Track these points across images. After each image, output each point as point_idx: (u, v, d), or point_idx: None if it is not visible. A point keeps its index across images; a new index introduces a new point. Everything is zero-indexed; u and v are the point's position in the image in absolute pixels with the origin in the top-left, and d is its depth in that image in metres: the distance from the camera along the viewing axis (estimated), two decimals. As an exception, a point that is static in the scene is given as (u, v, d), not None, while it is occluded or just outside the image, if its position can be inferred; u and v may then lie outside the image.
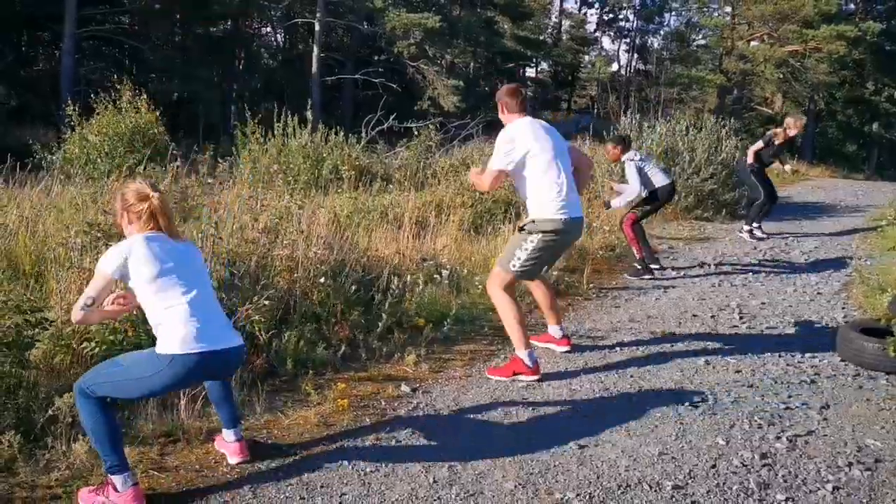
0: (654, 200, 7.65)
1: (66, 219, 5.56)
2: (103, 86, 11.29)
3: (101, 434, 2.89)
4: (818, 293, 6.96)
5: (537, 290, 5.01)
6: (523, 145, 4.43)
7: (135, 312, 3.69)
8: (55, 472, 3.10)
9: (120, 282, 2.99)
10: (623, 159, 7.52)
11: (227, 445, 3.35)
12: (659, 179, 7.53)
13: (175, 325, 2.91)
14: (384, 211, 7.77)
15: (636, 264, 7.61)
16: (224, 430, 3.36)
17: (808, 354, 5.14)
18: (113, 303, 3.10)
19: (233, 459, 3.32)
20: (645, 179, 7.42)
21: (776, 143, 9.43)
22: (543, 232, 4.44)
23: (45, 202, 6.17)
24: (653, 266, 7.63)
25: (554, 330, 5.07)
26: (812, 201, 14.72)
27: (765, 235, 9.87)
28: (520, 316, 4.53)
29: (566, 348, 5.05)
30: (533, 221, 4.48)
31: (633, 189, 7.35)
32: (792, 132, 9.49)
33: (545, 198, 4.44)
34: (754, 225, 9.87)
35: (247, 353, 3.24)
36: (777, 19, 29.67)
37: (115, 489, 2.88)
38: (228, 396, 3.35)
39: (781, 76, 30.22)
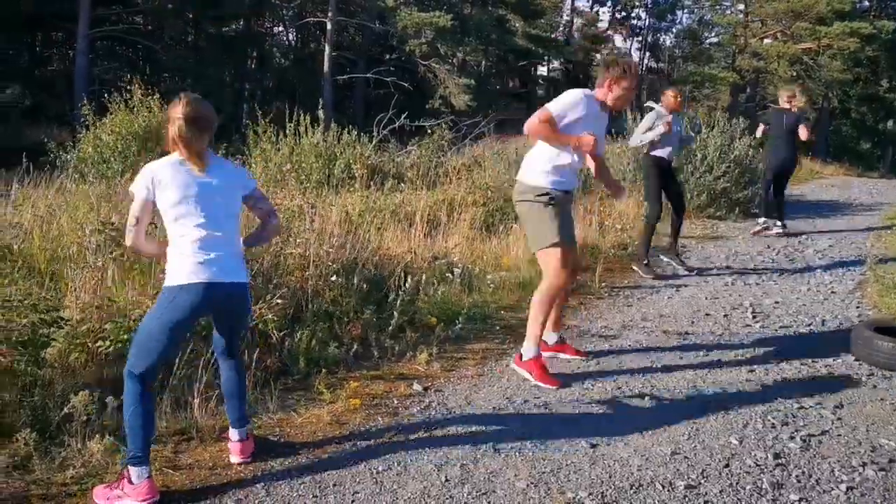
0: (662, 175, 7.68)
1: (80, 218, 5.59)
2: (117, 85, 11.33)
3: (136, 421, 2.94)
4: (832, 292, 6.92)
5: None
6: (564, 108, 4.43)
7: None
8: (70, 470, 3.12)
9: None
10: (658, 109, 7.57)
11: (232, 444, 3.38)
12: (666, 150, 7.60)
13: (180, 257, 3.01)
14: (396, 210, 7.78)
15: (675, 256, 7.67)
16: (230, 429, 3.39)
17: (821, 354, 5.12)
18: (162, 242, 3.19)
19: (234, 458, 3.34)
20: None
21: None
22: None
23: (59, 201, 6.20)
24: (639, 268, 7.57)
25: (549, 337, 4.93)
26: (826, 199, 14.64)
27: (773, 228, 9.87)
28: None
29: (549, 354, 4.85)
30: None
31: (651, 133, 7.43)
32: (784, 104, 9.47)
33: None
34: (769, 220, 9.87)
35: (247, 292, 3.22)
36: (790, 17, 29.51)
37: (130, 481, 2.91)
38: (239, 394, 3.35)
39: (795, 74, 30.03)
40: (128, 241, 3.11)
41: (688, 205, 7.85)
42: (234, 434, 3.36)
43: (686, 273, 7.58)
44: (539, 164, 4.50)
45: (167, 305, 2.98)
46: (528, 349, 4.54)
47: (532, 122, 4.38)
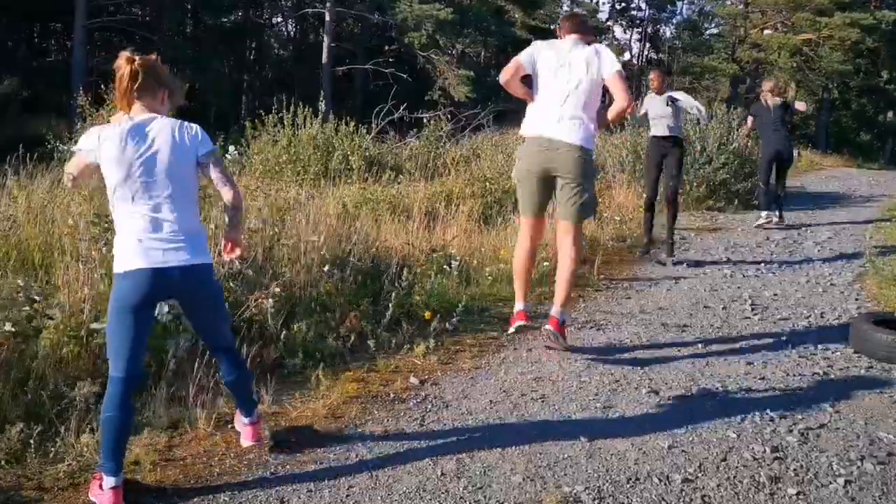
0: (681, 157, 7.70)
1: (73, 210, 5.56)
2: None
3: (111, 429, 2.80)
4: (831, 284, 6.90)
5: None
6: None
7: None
8: (63, 464, 3.10)
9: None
10: (676, 93, 7.65)
11: (243, 428, 3.34)
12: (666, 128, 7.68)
13: (120, 242, 2.85)
14: (393, 201, 7.75)
15: (669, 241, 7.67)
16: (238, 414, 3.35)
17: (820, 346, 5.10)
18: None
19: (245, 442, 3.32)
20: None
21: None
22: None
23: (55, 192, 6.16)
24: (644, 250, 7.64)
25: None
26: (825, 191, 14.60)
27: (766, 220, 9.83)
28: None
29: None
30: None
31: (693, 101, 7.52)
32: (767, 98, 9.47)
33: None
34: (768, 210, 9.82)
35: (205, 275, 2.94)
36: (791, 8, 29.40)
37: (101, 486, 2.82)
38: (242, 380, 3.25)
39: (795, 65, 29.95)
40: (67, 185, 2.96)
41: (680, 199, 7.78)
42: (243, 418, 3.32)
43: (671, 264, 7.56)
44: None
45: (114, 295, 2.83)
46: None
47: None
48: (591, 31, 4.81)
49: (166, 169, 2.86)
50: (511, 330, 4.75)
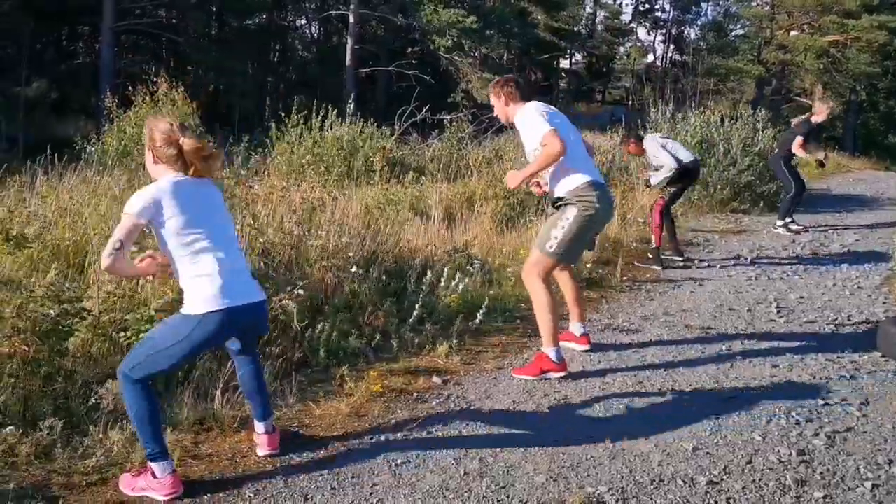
0: (681, 179, 7.57)
1: (104, 209, 5.63)
2: (141, 78, 11.42)
3: (143, 420, 2.90)
4: (858, 287, 6.83)
5: (564, 280, 4.85)
6: (550, 117, 4.33)
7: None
8: (92, 459, 3.14)
9: (152, 240, 2.97)
10: (645, 142, 7.52)
11: (258, 437, 3.37)
12: (684, 155, 7.53)
13: (203, 283, 2.89)
14: (416, 202, 7.77)
15: (649, 253, 7.58)
16: (255, 422, 3.39)
17: (847, 350, 5.05)
18: (142, 261, 3.07)
19: (261, 451, 3.34)
20: (671, 155, 7.42)
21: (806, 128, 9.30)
22: (579, 201, 4.29)
23: (84, 193, 6.25)
24: (676, 258, 7.59)
25: (575, 327, 4.90)
26: (853, 194, 14.44)
27: (801, 227, 9.70)
28: (553, 308, 4.36)
29: (585, 347, 4.86)
30: (562, 198, 4.38)
31: (667, 164, 7.32)
32: (818, 118, 9.33)
33: (574, 170, 4.36)
34: (787, 219, 9.70)
35: (268, 314, 3.15)
36: (818, 10, 29.13)
37: (154, 475, 2.91)
38: (260, 388, 3.33)
39: (822, 66, 29.66)
40: (105, 264, 2.81)
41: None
42: (259, 427, 3.36)
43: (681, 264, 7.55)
44: (562, 174, 4.47)
45: (188, 332, 2.87)
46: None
47: (557, 147, 4.18)
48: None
49: (222, 213, 3.10)
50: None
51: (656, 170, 7.42)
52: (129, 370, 2.90)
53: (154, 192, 2.87)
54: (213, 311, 2.86)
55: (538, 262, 4.40)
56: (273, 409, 3.48)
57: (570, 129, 4.46)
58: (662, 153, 7.34)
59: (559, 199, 4.42)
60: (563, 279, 4.85)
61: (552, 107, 4.57)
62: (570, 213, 4.31)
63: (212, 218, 2.99)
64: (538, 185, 4.79)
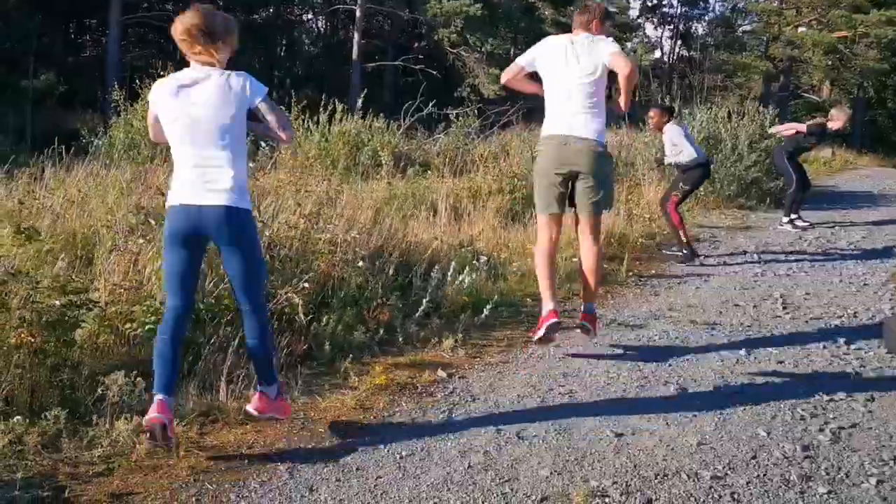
0: (695, 174, 7.59)
1: (111, 202, 5.66)
2: (148, 72, 11.43)
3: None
4: (865, 284, 6.81)
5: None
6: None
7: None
8: (98, 449, 3.16)
9: None
10: (668, 126, 7.62)
11: (253, 395, 3.45)
12: (700, 152, 7.64)
13: (174, 179, 3.20)
14: (422, 197, 7.77)
15: (683, 250, 7.56)
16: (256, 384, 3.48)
17: (853, 346, 5.04)
18: None
19: (248, 408, 3.41)
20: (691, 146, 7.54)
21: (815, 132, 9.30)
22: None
23: (91, 185, 6.27)
24: (677, 252, 7.60)
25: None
26: (860, 190, 14.39)
27: (807, 223, 9.67)
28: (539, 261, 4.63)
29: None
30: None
31: (686, 151, 7.45)
32: (834, 125, 9.31)
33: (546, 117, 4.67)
34: (793, 216, 9.67)
35: (238, 216, 3.17)
36: (826, 4, 28.99)
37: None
38: (258, 348, 3.37)
39: (830, 63, 29.53)
40: (152, 138, 3.40)
41: (669, 206, 7.73)
42: (258, 386, 3.44)
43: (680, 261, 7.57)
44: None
45: (165, 227, 3.21)
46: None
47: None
48: (601, 24, 4.66)
49: (212, 115, 3.15)
50: (539, 334, 4.49)
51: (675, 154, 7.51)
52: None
53: (154, 91, 3.23)
54: (172, 206, 3.19)
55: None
56: (274, 379, 3.47)
57: (552, 66, 4.61)
58: (684, 141, 7.49)
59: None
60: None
61: (559, 39, 4.72)
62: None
63: (189, 122, 3.13)
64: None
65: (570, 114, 4.49)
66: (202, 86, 3.13)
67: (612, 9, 45.47)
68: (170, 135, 3.18)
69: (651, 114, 7.91)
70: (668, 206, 7.63)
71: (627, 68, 4.35)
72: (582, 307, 4.73)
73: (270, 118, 3.24)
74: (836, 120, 9.34)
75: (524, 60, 4.70)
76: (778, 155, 9.73)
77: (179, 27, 3.13)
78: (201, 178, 3.12)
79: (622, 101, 4.65)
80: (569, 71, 4.50)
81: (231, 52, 3.25)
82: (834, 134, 9.74)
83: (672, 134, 7.57)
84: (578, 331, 4.70)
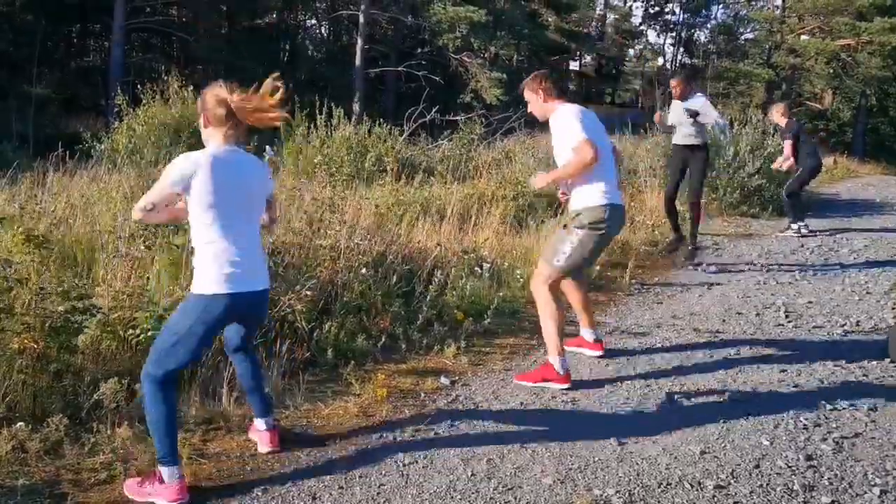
0: (701, 159, 7.72)
1: (113, 207, 5.66)
2: (151, 77, 11.48)
3: (160, 424, 2.89)
4: (867, 293, 6.80)
5: (571, 289, 4.78)
6: (587, 125, 4.27)
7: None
8: (100, 456, 3.16)
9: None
10: (700, 96, 7.63)
11: (259, 434, 3.39)
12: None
13: (215, 263, 2.93)
14: (426, 203, 7.76)
15: (690, 245, 7.61)
16: (256, 420, 3.40)
17: (856, 355, 5.03)
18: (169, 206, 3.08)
19: (263, 448, 3.35)
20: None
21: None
22: (590, 223, 4.27)
23: (93, 190, 6.27)
24: (681, 255, 7.61)
25: (586, 333, 4.87)
26: (862, 199, 14.36)
27: (807, 230, 9.69)
28: (560, 319, 4.32)
29: (598, 353, 4.83)
30: (578, 214, 4.34)
31: (713, 118, 7.53)
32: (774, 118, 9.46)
33: (591, 186, 4.30)
34: (800, 223, 9.68)
35: (266, 295, 3.15)
36: (830, 12, 29.00)
37: (162, 480, 2.90)
38: (259, 386, 3.37)
39: (832, 70, 29.54)
40: (136, 217, 3.00)
41: (703, 204, 7.71)
42: (260, 424, 3.38)
43: (689, 268, 7.54)
44: (580, 187, 4.42)
45: (198, 314, 2.91)
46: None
47: (588, 154, 4.15)
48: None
49: (256, 198, 3.13)
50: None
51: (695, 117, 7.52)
52: (153, 367, 2.91)
53: (192, 164, 2.88)
54: (218, 294, 2.90)
55: (545, 273, 4.38)
56: (273, 407, 3.50)
57: (602, 137, 4.40)
58: (712, 110, 7.53)
59: (575, 211, 4.37)
60: (570, 287, 4.77)
61: (588, 110, 4.51)
62: (582, 232, 4.28)
63: (241, 200, 2.99)
64: (563, 193, 4.70)
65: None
66: (247, 163, 3.09)
67: (614, 16, 45.62)
68: (220, 210, 2.92)
69: (673, 83, 7.75)
70: (698, 200, 7.80)
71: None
72: (594, 334, 4.93)
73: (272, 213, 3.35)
74: (775, 113, 9.54)
75: (587, 131, 4.29)
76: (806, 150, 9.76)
77: (228, 101, 2.97)
78: (253, 258, 3.05)
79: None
80: (604, 138, 4.47)
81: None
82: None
83: (702, 102, 7.53)
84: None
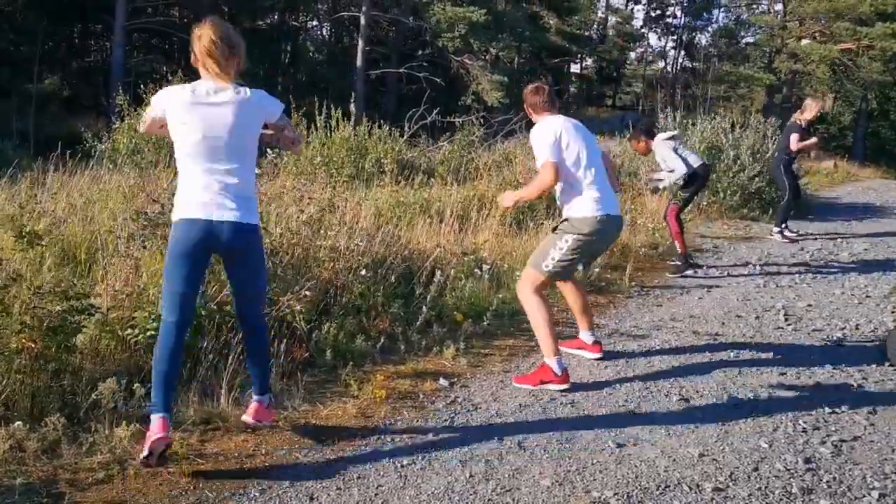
0: (691, 184, 7.57)
1: (113, 207, 5.66)
2: (152, 77, 11.49)
3: (160, 367, 3.11)
4: (867, 296, 6.80)
5: (569, 291, 4.80)
6: (563, 140, 4.29)
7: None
8: (97, 455, 3.15)
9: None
10: (654, 144, 7.51)
11: (250, 403, 3.44)
12: (693, 160, 7.54)
13: (187, 192, 3.12)
14: (425, 205, 7.76)
15: (677, 261, 7.54)
16: (251, 393, 3.47)
17: (855, 358, 5.03)
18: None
19: (246, 418, 3.39)
20: (681, 159, 7.42)
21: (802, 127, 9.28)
22: (579, 232, 4.29)
23: (94, 190, 6.27)
24: (678, 263, 7.57)
25: (585, 335, 4.86)
26: (862, 202, 14.38)
27: (794, 233, 9.68)
28: (549, 320, 4.30)
29: (597, 355, 4.81)
30: (567, 221, 4.34)
31: (677, 169, 7.31)
32: (809, 115, 9.29)
33: (581, 195, 4.31)
34: (783, 226, 9.68)
35: (248, 231, 3.16)
36: (832, 16, 29.02)
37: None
38: (259, 363, 3.40)
39: (833, 73, 29.55)
40: (141, 129, 3.32)
41: (671, 217, 7.72)
42: (255, 395, 3.44)
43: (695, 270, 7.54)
44: (569, 196, 4.44)
45: (172, 241, 3.10)
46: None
47: (548, 179, 4.26)
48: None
49: (235, 131, 3.12)
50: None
51: (668, 172, 7.41)
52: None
53: (163, 96, 3.14)
54: (187, 219, 3.08)
55: (532, 277, 4.39)
56: (268, 389, 3.51)
57: (588, 147, 4.40)
58: (672, 157, 7.31)
59: (565, 219, 4.39)
60: (568, 289, 4.79)
61: (576, 122, 4.52)
62: (571, 239, 4.29)
63: (212, 137, 3.07)
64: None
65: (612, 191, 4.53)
66: (224, 102, 3.09)
67: (616, 18, 45.64)
68: (182, 147, 3.10)
69: (631, 144, 7.80)
70: (669, 216, 7.61)
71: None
72: (593, 336, 4.91)
73: (287, 133, 3.34)
74: (809, 110, 9.35)
75: (554, 153, 4.34)
76: (776, 167, 9.71)
77: (205, 39, 3.09)
78: (213, 192, 3.08)
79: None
80: (590, 148, 4.47)
81: (240, 69, 3.23)
82: (814, 126, 9.68)
83: (660, 152, 7.44)
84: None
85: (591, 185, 4.32)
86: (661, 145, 7.42)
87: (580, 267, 4.79)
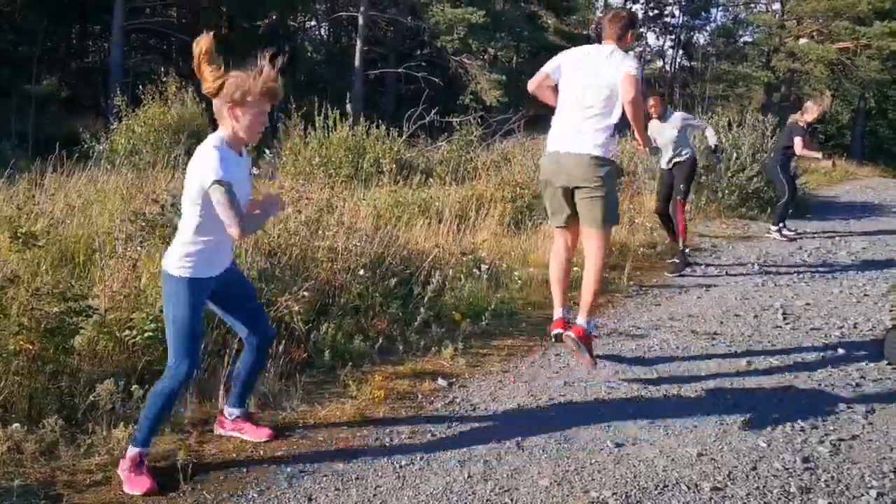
0: (684, 171, 7.64)
1: (111, 208, 5.65)
2: (150, 78, 11.48)
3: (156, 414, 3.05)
4: (865, 295, 6.80)
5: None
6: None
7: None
8: (95, 457, 3.15)
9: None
10: (675, 115, 7.64)
11: (220, 414, 3.50)
12: (710, 136, 7.96)
13: (206, 251, 3.01)
14: (424, 205, 7.76)
15: (676, 259, 7.54)
16: (227, 403, 3.51)
17: (853, 357, 5.03)
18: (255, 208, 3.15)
19: (259, 438, 3.45)
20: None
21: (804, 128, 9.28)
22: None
23: (91, 191, 6.27)
24: (677, 261, 7.57)
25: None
26: (861, 201, 14.38)
27: (792, 232, 9.68)
28: (553, 277, 4.59)
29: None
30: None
31: (701, 122, 7.77)
32: (810, 117, 9.28)
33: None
34: (780, 224, 9.68)
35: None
36: (830, 15, 29.04)
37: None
38: (247, 381, 3.45)
39: (831, 72, 29.57)
40: (237, 234, 2.88)
41: (684, 213, 7.65)
42: (226, 408, 3.49)
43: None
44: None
45: (182, 296, 2.96)
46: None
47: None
48: (624, 34, 4.49)
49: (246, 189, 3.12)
50: (551, 336, 4.57)
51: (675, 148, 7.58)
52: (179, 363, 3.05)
53: (219, 156, 2.90)
54: (205, 279, 3.03)
55: None
56: (244, 403, 3.53)
57: (567, 77, 4.50)
58: (696, 120, 7.69)
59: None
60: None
61: (584, 49, 4.58)
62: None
63: (241, 198, 2.97)
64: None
65: (572, 129, 4.38)
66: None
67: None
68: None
69: (651, 102, 7.76)
70: (676, 212, 7.62)
71: (629, 94, 4.21)
72: (577, 319, 4.52)
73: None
74: (810, 112, 9.34)
75: (549, 67, 4.60)
76: (772, 164, 9.70)
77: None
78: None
79: (637, 135, 4.61)
80: (582, 82, 4.38)
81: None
82: (814, 127, 9.71)
83: (674, 123, 7.53)
84: (569, 343, 4.43)
85: (555, 122, 4.55)
86: (680, 119, 7.57)
87: (562, 214, 4.60)
